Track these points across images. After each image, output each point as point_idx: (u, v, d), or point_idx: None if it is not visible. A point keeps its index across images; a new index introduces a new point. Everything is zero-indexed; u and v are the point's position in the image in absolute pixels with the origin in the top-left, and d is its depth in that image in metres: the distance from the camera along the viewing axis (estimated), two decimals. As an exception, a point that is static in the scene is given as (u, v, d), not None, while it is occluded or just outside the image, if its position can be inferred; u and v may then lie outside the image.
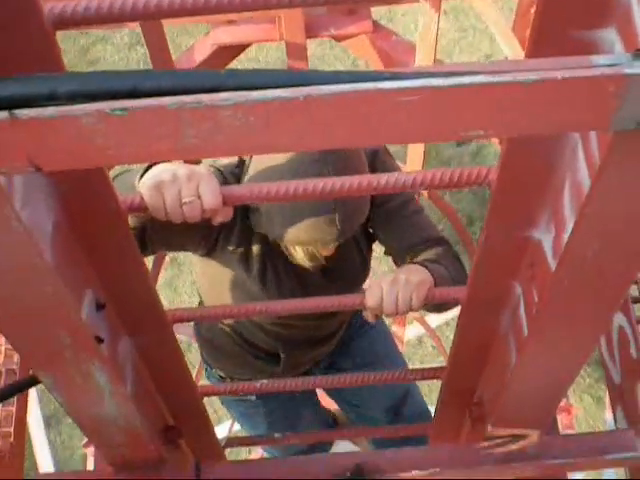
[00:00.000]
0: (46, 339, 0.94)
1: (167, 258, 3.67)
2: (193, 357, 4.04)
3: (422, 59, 2.41)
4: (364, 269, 1.91)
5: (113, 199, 1.02)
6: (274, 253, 1.68)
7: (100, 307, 1.13)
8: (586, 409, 5.25)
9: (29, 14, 0.75)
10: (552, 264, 1.04)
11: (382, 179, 1.06)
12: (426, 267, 1.54)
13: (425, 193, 2.87)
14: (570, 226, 0.95)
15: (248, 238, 1.65)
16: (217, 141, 0.59)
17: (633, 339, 1.46)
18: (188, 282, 6.72)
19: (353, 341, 2.30)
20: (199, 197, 1.14)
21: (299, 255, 1.63)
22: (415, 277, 1.45)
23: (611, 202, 0.82)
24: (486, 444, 1.34)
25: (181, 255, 5.21)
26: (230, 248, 1.65)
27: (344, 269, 1.82)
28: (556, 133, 0.82)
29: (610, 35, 0.75)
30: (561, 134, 0.90)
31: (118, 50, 6.07)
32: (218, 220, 1.18)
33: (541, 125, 0.59)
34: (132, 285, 1.17)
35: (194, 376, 1.68)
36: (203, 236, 1.61)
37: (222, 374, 2.23)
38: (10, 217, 0.73)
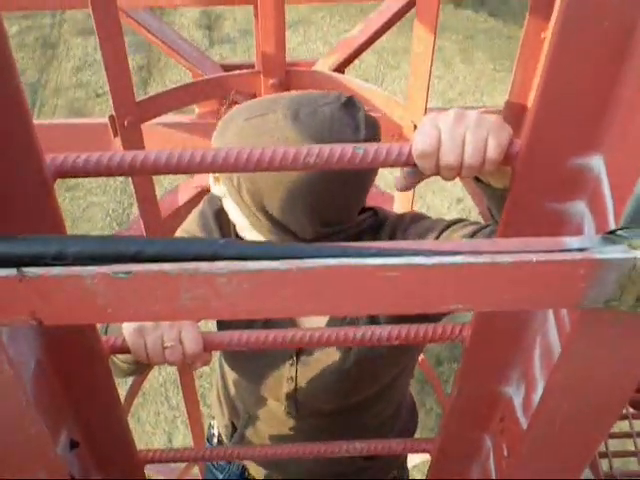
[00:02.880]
0: (22, 477, 0.94)
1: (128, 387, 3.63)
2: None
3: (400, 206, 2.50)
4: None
5: (97, 340, 1.04)
6: None
7: (74, 446, 1.13)
8: None
9: (30, 163, 0.79)
10: (522, 421, 1.06)
11: (358, 332, 1.09)
12: None
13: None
14: (540, 386, 0.98)
15: None
16: (212, 305, 0.62)
17: (600, 496, 1.47)
18: (152, 412, 6.61)
19: None
20: (180, 342, 1.17)
21: None
22: (490, 118, 0.93)
23: (579, 368, 0.86)
24: None
25: (146, 384, 5.15)
26: None
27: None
28: (529, 309, 0.86)
29: (580, 207, 0.80)
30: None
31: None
32: (198, 366, 1.21)
33: (515, 302, 0.63)
34: (107, 425, 1.17)
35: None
36: None
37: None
38: (2, 360, 0.76)
